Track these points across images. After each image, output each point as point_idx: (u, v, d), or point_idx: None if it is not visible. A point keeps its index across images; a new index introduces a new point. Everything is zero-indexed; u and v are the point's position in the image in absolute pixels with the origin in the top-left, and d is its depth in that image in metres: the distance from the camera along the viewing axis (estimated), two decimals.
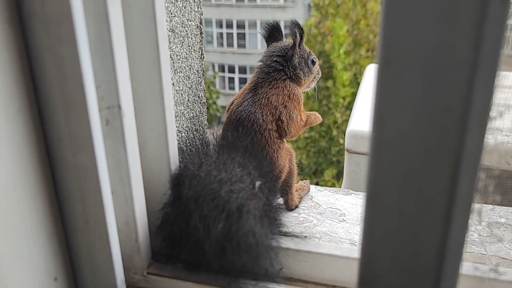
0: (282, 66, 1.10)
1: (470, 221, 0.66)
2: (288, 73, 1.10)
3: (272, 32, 1.17)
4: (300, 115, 1.11)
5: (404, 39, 0.36)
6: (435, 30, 0.35)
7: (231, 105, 1.12)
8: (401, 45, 0.37)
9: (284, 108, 1.07)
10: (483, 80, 0.37)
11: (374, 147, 0.43)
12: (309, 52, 1.15)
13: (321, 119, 1.20)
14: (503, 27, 0.35)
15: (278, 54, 1.11)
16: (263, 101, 1.06)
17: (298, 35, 1.10)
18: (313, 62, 1.15)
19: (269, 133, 1.05)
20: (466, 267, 0.65)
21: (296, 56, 1.10)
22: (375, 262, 0.47)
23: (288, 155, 1.12)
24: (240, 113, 1.06)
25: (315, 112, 1.19)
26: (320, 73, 1.20)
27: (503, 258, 0.97)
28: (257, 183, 0.79)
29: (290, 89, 1.09)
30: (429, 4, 0.34)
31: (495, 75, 0.37)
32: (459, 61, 0.36)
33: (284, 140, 1.10)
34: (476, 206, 0.62)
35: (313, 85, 1.20)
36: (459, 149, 0.40)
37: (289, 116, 1.07)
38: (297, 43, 1.10)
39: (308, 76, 1.15)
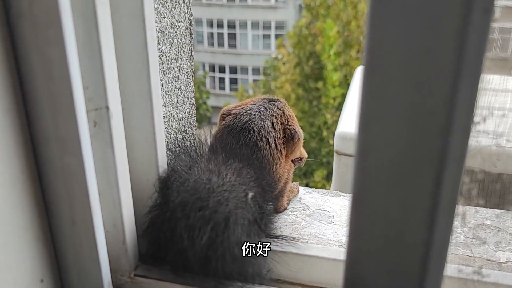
0: None
1: (456, 223, 0.67)
2: None
3: None
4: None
5: (389, 45, 0.37)
6: (420, 37, 0.36)
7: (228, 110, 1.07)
8: (386, 51, 0.37)
9: (292, 120, 1.05)
10: (466, 86, 0.37)
11: (360, 151, 0.43)
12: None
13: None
14: (486, 35, 0.35)
15: None
16: (273, 112, 1.03)
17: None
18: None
19: (275, 141, 1.01)
20: (451, 269, 0.66)
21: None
22: (361, 264, 0.48)
23: (287, 166, 1.10)
24: (249, 115, 1.02)
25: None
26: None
27: (489, 260, 0.98)
28: (250, 194, 0.78)
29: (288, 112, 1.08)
30: (414, 11, 0.35)
31: (478, 81, 0.37)
32: (443, 67, 0.37)
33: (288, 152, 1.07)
34: (461, 209, 0.63)
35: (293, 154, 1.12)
36: (443, 153, 0.40)
37: (299, 131, 1.04)
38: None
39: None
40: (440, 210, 0.43)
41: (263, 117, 1.01)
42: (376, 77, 0.39)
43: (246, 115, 1.02)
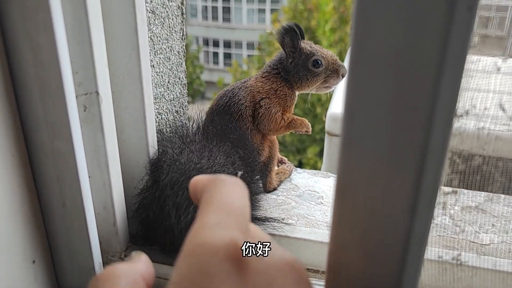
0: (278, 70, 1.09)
1: (441, 206, 0.68)
2: (285, 76, 1.09)
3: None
4: (281, 114, 1.09)
5: (375, 41, 0.37)
6: (405, 34, 0.36)
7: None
8: (372, 46, 0.38)
9: (267, 98, 1.06)
10: (449, 82, 0.38)
11: (344, 142, 0.44)
12: (310, 53, 1.07)
13: (309, 128, 1.16)
14: (470, 32, 0.36)
15: (273, 67, 1.10)
16: (251, 82, 1.08)
17: (289, 41, 1.05)
18: (317, 64, 1.07)
19: (245, 109, 1.05)
20: (431, 253, 0.68)
21: (291, 64, 1.07)
22: (343, 250, 0.49)
23: (266, 141, 1.12)
24: (230, 87, 1.09)
25: (304, 119, 1.15)
26: (337, 71, 1.10)
27: (473, 242, 1.01)
28: (239, 173, 0.79)
29: (280, 85, 1.08)
30: (399, 8, 0.35)
31: (461, 77, 0.38)
32: (426, 64, 0.37)
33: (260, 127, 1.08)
34: (443, 196, 0.65)
35: (330, 87, 1.15)
36: (425, 145, 0.41)
37: (267, 107, 1.06)
38: (288, 52, 1.06)
39: (311, 80, 1.09)
40: (422, 199, 0.45)
41: (239, 87, 1.08)
42: (362, 71, 0.40)
43: (227, 87, 1.09)
